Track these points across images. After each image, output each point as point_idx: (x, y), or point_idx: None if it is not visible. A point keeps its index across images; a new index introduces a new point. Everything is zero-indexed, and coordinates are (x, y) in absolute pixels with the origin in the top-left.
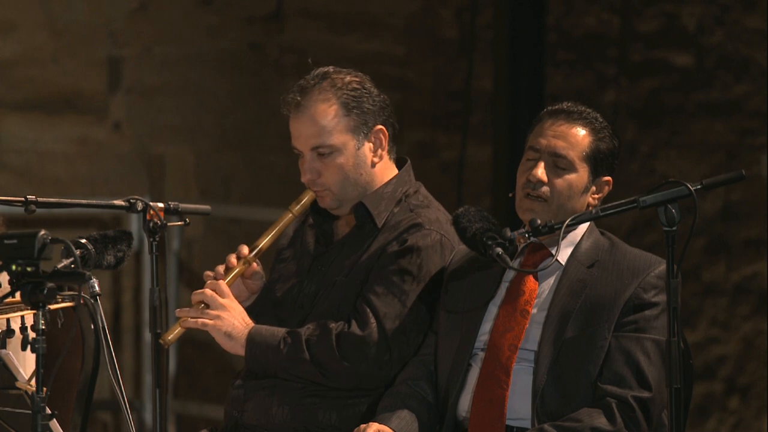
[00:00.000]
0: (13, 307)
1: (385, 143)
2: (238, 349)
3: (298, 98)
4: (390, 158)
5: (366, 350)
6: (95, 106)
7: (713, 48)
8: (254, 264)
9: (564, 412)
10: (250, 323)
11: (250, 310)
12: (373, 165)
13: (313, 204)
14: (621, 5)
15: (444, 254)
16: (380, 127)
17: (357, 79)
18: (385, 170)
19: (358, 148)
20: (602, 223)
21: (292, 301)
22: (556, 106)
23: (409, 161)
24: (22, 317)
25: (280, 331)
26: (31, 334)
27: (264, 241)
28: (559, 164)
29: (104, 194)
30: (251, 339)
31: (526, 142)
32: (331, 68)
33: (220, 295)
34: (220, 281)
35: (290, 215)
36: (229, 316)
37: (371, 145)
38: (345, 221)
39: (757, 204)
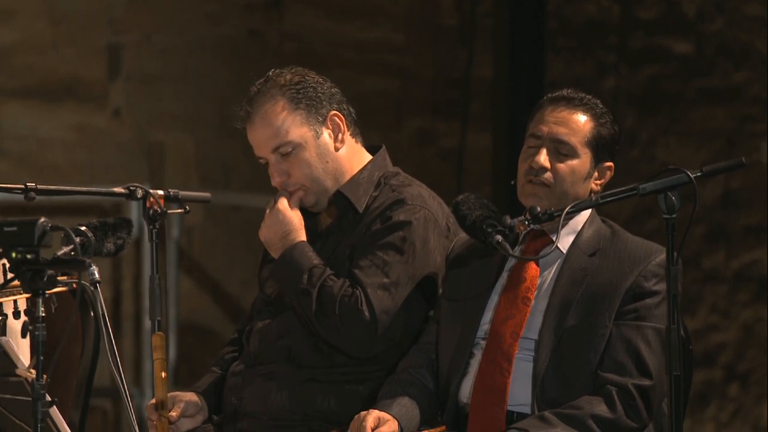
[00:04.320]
0: (5, 292)
1: (343, 127)
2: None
3: (248, 108)
4: (356, 141)
5: (359, 317)
6: (95, 94)
7: (713, 35)
8: (173, 414)
9: (564, 400)
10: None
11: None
12: (337, 150)
13: None
14: None
15: (428, 227)
16: (334, 112)
17: (299, 74)
18: (354, 156)
19: (318, 137)
20: (602, 211)
21: (282, 296)
22: (557, 93)
23: (383, 147)
24: (15, 302)
25: (313, 260)
26: (24, 318)
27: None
28: (561, 150)
29: (104, 182)
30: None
31: (527, 129)
32: (271, 72)
33: None
34: None
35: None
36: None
37: (329, 131)
38: (326, 213)
39: (757, 191)
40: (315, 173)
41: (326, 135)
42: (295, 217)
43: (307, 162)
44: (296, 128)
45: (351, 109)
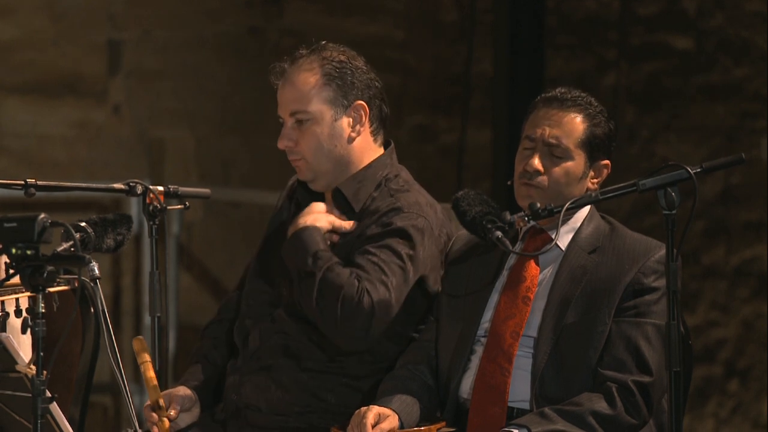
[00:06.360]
0: (8, 290)
1: (365, 120)
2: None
3: (286, 66)
4: (374, 139)
5: (359, 310)
6: (95, 90)
7: (713, 31)
8: (172, 414)
9: (564, 397)
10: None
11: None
12: (351, 140)
13: (301, 182)
14: None
15: (424, 236)
16: (361, 102)
17: (346, 55)
18: (366, 150)
19: (335, 120)
20: (601, 207)
21: (280, 289)
22: (549, 94)
23: (392, 144)
24: (17, 300)
25: (320, 245)
26: (25, 316)
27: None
28: (554, 153)
29: (104, 178)
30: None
31: (522, 130)
32: (326, 43)
33: None
34: None
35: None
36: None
37: (350, 119)
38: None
39: (757, 187)
40: (320, 151)
41: (345, 122)
42: (317, 207)
43: (317, 137)
44: (318, 103)
45: (385, 108)
